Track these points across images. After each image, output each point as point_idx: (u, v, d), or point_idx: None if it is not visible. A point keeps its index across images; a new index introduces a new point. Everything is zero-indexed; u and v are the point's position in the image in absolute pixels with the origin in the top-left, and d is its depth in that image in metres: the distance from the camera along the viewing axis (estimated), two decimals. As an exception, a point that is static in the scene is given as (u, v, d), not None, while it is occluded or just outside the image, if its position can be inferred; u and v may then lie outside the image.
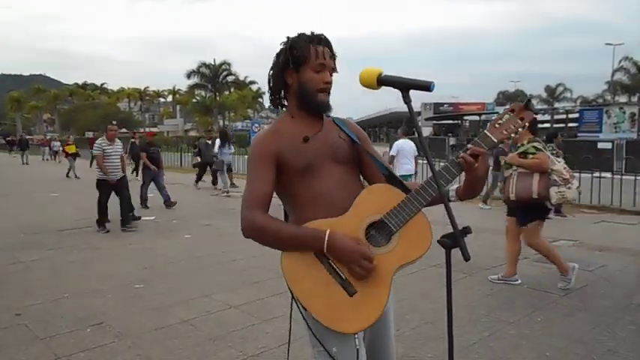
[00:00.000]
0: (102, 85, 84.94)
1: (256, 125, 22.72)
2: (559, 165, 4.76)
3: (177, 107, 76.01)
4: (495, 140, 1.69)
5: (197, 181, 14.75)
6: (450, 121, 48.53)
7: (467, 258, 1.51)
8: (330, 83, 1.81)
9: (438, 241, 1.56)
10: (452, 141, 28.88)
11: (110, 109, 62.75)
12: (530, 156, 4.74)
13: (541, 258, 6.10)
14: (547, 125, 44.63)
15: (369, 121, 68.98)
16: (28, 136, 38.64)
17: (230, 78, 54.68)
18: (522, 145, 4.82)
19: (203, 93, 56.12)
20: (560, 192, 4.64)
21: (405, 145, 9.42)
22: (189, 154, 21.90)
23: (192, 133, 57.41)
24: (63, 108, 73.14)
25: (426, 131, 43.40)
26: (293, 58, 1.76)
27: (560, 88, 57.59)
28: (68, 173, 18.62)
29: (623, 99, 45.15)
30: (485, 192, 10.00)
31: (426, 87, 1.60)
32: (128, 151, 13.49)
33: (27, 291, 4.96)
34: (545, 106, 51.90)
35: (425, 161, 14.85)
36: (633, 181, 10.17)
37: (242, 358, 3.46)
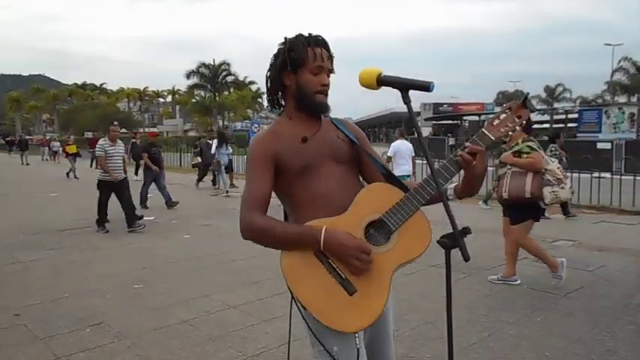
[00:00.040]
0: (101, 85, 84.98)
1: (256, 125, 22.74)
2: (553, 165, 4.78)
3: (177, 107, 76.03)
4: (493, 138, 1.69)
5: (198, 181, 14.75)
6: (450, 122, 48.56)
7: (466, 258, 1.51)
8: (327, 85, 1.82)
9: (438, 242, 1.56)
10: (451, 141, 28.93)
11: (109, 109, 62.68)
12: (525, 155, 4.76)
13: (541, 258, 6.12)
14: (546, 125, 44.65)
15: (368, 122, 69.00)
16: (27, 137, 38.63)
17: (229, 78, 54.63)
18: (517, 144, 4.84)
19: (202, 93, 56.08)
20: (553, 192, 4.66)
21: (402, 146, 9.48)
22: (189, 154, 21.88)
23: (192, 134, 57.46)
24: (62, 108, 73.07)
25: (426, 131, 43.41)
26: (291, 60, 1.77)
27: (560, 89, 57.63)
28: (69, 173, 18.61)
29: (622, 99, 45.13)
30: (487, 192, 10.00)
31: (426, 87, 1.60)
32: (129, 152, 13.47)
33: (26, 291, 4.96)
34: (544, 107, 51.91)
35: (423, 161, 14.88)
36: (632, 181, 10.17)
37: (242, 359, 3.46)
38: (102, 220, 8.11)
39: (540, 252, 5.00)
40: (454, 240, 1.53)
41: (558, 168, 4.78)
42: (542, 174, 4.70)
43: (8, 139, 46.37)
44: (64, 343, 3.70)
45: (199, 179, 14.78)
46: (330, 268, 1.68)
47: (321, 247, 1.66)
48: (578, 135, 26.92)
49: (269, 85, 1.86)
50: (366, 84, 1.70)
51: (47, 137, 39.79)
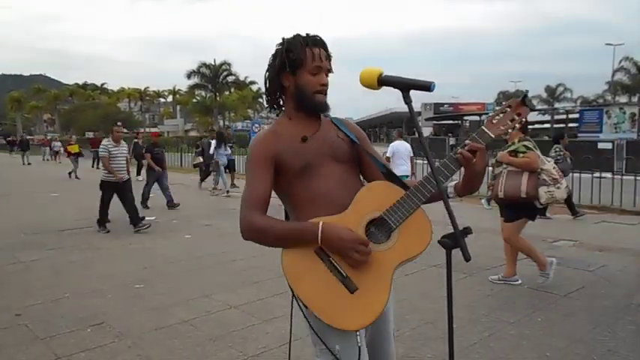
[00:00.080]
0: (102, 85, 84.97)
1: (256, 125, 22.75)
2: (548, 165, 4.79)
3: (178, 107, 76.04)
4: (493, 136, 1.70)
5: (202, 181, 14.68)
6: (450, 122, 48.56)
7: (467, 258, 1.51)
8: (326, 85, 1.82)
9: (439, 242, 1.56)
10: (452, 141, 28.93)
11: (110, 109, 62.71)
12: (521, 155, 4.77)
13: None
14: (547, 126, 44.63)
15: (369, 122, 68.99)
16: (28, 137, 38.66)
17: (230, 78, 54.64)
18: (513, 143, 4.86)
19: (203, 93, 56.08)
20: (549, 191, 4.67)
21: (400, 147, 9.54)
22: (190, 154, 21.89)
23: (193, 134, 57.44)
24: (63, 108, 73.10)
25: (426, 131, 43.44)
26: (289, 61, 1.77)
27: (561, 89, 57.57)
28: (71, 173, 18.61)
29: (623, 99, 45.11)
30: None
31: (427, 87, 1.60)
32: (131, 152, 13.48)
33: (27, 291, 4.96)
34: (545, 107, 51.88)
35: (423, 161, 14.91)
36: (633, 182, 10.16)
37: (242, 359, 3.46)
38: (103, 220, 8.12)
39: (532, 250, 5.01)
40: (455, 240, 1.53)
41: (554, 168, 4.79)
42: (538, 174, 4.72)
43: (9, 139, 46.41)
44: (64, 343, 3.70)
45: (202, 179, 14.74)
46: (330, 266, 1.68)
47: (320, 242, 1.66)
48: (579, 135, 26.88)
49: (268, 86, 1.86)
50: (366, 84, 1.70)
51: (48, 137, 39.80)
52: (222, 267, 5.89)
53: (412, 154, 9.67)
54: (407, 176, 9.08)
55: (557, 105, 53.15)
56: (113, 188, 8.10)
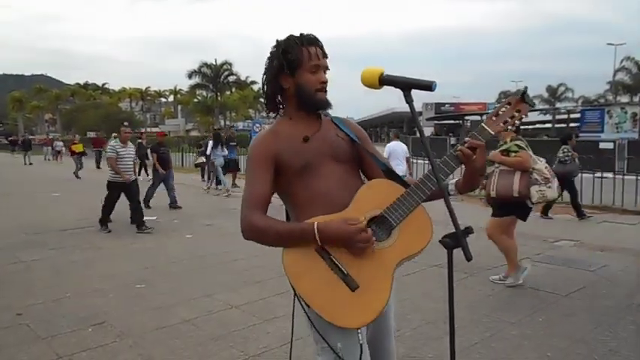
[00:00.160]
0: (103, 85, 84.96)
1: (257, 125, 22.72)
2: (540, 164, 4.82)
3: (179, 107, 76.05)
4: (492, 133, 1.70)
5: (208, 181, 14.57)
6: (452, 121, 48.57)
7: (469, 258, 1.51)
8: (326, 82, 1.83)
9: (440, 241, 1.56)
10: (452, 140, 28.94)
11: (112, 109, 62.68)
12: (513, 154, 4.79)
13: (543, 258, 6.13)
14: (549, 125, 44.61)
15: (370, 121, 69.04)
16: (30, 136, 38.71)
17: (231, 78, 54.62)
18: (505, 143, 4.88)
19: (204, 93, 56.08)
20: (540, 191, 4.70)
21: (396, 147, 9.63)
22: (191, 154, 21.89)
23: (194, 133, 57.45)
24: (64, 108, 73.07)
25: (428, 131, 43.48)
26: (287, 62, 1.77)
27: (562, 88, 57.43)
28: (76, 173, 18.61)
29: (624, 99, 45.00)
30: None
31: (428, 86, 1.60)
32: (135, 152, 13.46)
33: (28, 291, 4.97)
34: (546, 106, 51.83)
35: (421, 161, 14.96)
36: (635, 181, 10.15)
37: (243, 358, 3.46)
38: (105, 219, 8.12)
39: (510, 251, 5.00)
40: (456, 239, 1.53)
41: (546, 167, 4.82)
42: (530, 173, 4.74)
43: (11, 138, 46.47)
44: (66, 343, 3.71)
45: (209, 178, 14.63)
46: (331, 264, 1.68)
47: (319, 242, 1.66)
48: (581, 135, 26.86)
49: (267, 89, 1.86)
50: (368, 83, 1.71)
51: (50, 137, 39.85)
52: (224, 267, 5.89)
53: (408, 155, 9.78)
54: (404, 176, 9.12)
55: (558, 105, 53.09)
56: (120, 189, 8.09)
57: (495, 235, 4.98)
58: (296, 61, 1.77)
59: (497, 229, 4.99)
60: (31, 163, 26.72)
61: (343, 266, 1.68)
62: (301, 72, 1.78)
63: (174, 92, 72.42)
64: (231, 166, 14.34)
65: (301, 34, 1.81)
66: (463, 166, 1.75)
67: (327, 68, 1.83)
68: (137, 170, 15.09)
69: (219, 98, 54.26)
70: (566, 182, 9.14)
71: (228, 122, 54.43)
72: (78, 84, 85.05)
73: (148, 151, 12.18)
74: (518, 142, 4.83)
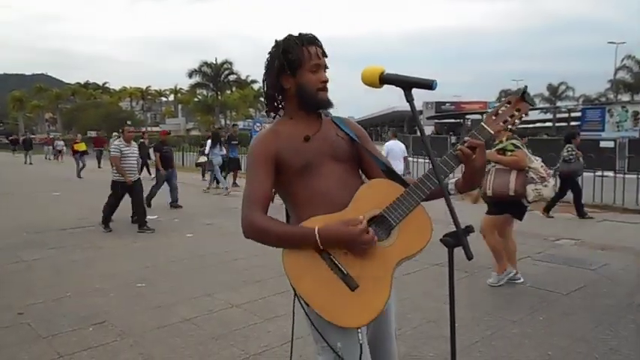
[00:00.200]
0: (104, 84, 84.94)
1: (258, 124, 22.70)
2: (536, 163, 4.83)
3: (179, 106, 76.05)
4: (492, 132, 1.70)
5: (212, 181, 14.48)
6: (452, 120, 48.54)
7: (470, 257, 1.51)
8: (327, 81, 1.83)
9: (441, 240, 1.56)
10: (453, 139, 28.92)
11: (112, 108, 62.71)
12: (509, 153, 4.80)
13: (544, 257, 6.13)
14: (549, 124, 44.55)
15: (371, 120, 69.02)
16: (31, 136, 38.76)
17: (232, 77, 54.70)
18: (501, 142, 4.89)
19: (205, 92, 56.13)
20: (536, 189, 4.71)
21: (394, 146, 9.69)
22: (192, 153, 21.89)
23: (194, 132, 57.45)
24: (65, 107, 73.06)
25: (428, 130, 43.38)
26: (288, 62, 1.77)
27: (563, 87, 57.33)
28: (79, 173, 18.61)
29: (625, 97, 44.96)
30: None
31: (429, 85, 1.60)
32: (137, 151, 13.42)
33: (29, 290, 4.97)
34: (547, 105, 51.78)
35: (419, 160, 14.93)
36: (636, 180, 10.15)
37: (244, 357, 3.46)
38: (108, 219, 8.11)
39: (499, 252, 4.99)
40: (457, 238, 1.53)
41: (542, 166, 4.83)
42: (526, 172, 4.74)
43: (12, 138, 46.49)
44: (67, 342, 3.71)
45: (210, 178, 14.55)
46: (331, 264, 1.68)
47: (320, 247, 1.67)
48: (582, 133, 26.83)
49: (268, 90, 1.86)
50: (368, 82, 1.70)
51: (51, 136, 39.85)
52: (224, 266, 5.89)
53: (406, 154, 9.89)
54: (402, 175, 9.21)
55: (559, 103, 53.03)
56: (125, 188, 8.07)
57: (488, 233, 4.99)
58: (297, 61, 1.76)
59: (491, 227, 4.99)
60: (31, 163, 26.73)
61: (343, 266, 1.68)
62: (302, 72, 1.78)
63: (175, 91, 72.39)
64: (232, 165, 14.32)
65: (300, 34, 1.81)
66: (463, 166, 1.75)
67: (326, 67, 1.83)
68: (139, 169, 15.13)
69: (219, 97, 54.29)
70: (571, 181, 9.12)
71: (228, 121, 54.39)
72: (78, 83, 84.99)
73: (151, 150, 12.12)
74: (514, 141, 4.84)
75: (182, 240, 7.48)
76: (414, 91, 1.63)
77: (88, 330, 3.94)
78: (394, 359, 1.96)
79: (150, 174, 14.57)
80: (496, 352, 3.50)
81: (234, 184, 14.11)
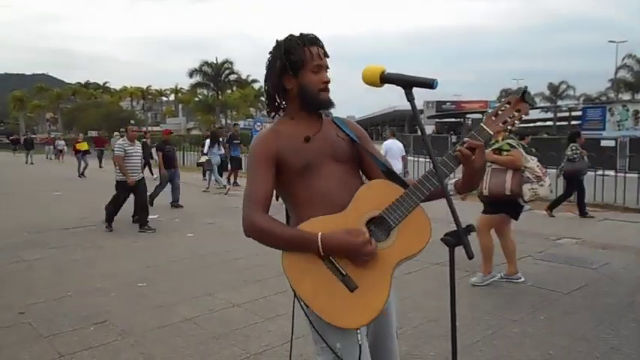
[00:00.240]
0: (104, 84, 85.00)
1: (258, 124, 22.70)
2: (532, 162, 4.85)
3: (180, 106, 76.07)
4: (492, 133, 1.70)
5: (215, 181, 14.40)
6: (453, 119, 48.49)
7: (470, 256, 1.51)
8: (329, 82, 1.83)
9: (442, 239, 1.56)
10: (453, 139, 28.92)
11: (113, 107, 62.71)
12: (505, 153, 4.81)
13: (545, 256, 6.13)
14: (550, 123, 44.53)
15: (372, 119, 69.02)
16: (32, 135, 38.81)
17: (232, 77, 54.72)
18: (497, 141, 4.90)
19: (205, 92, 56.14)
20: (532, 189, 4.74)
21: (393, 145, 9.75)
22: (192, 152, 21.88)
23: (195, 132, 57.46)
24: (66, 107, 73.10)
25: (429, 129, 43.34)
26: (290, 63, 1.76)
27: (563, 86, 57.24)
28: (83, 172, 18.60)
29: (626, 96, 44.90)
30: None
31: (429, 84, 1.60)
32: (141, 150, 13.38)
33: (30, 289, 4.98)
34: (548, 104, 51.73)
35: (416, 159, 14.93)
36: (637, 179, 10.13)
37: (245, 357, 3.46)
38: (111, 218, 8.12)
39: (489, 253, 4.99)
40: (458, 238, 1.53)
41: (538, 166, 4.84)
42: (522, 171, 4.75)
43: (12, 137, 46.53)
44: (68, 342, 3.71)
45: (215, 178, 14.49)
46: (330, 265, 1.69)
47: (322, 253, 1.67)
48: (582, 133, 26.83)
49: (270, 90, 1.86)
50: (369, 81, 1.70)
51: (52, 136, 39.87)
52: (225, 265, 5.90)
53: (404, 153, 9.94)
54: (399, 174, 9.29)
55: (559, 102, 52.98)
56: (129, 189, 8.05)
57: (483, 233, 4.99)
58: (299, 62, 1.76)
59: (487, 227, 5.01)
60: (32, 163, 26.74)
61: (342, 267, 1.68)
62: (304, 73, 1.77)
63: (175, 91, 72.39)
64: (234, 164, 14.31)
65: (302, 34, 1.81)
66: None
67: (327, 67, 1.83)
68: (141, 169, 15.10)
69: (220, 97, 54.30)
70: (575, 180, 9.10)
71: (229, 121, 54.41)
72: (79, 83, 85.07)
73: (153, 150, 12.07)
74: (510, 141, 4.86)
75: (183, 239, 7.48)
76: (415, 90, 1.63)
77: (89, 329, 3.94)
78: (396, 358, 1.96)
79: (152, 174, 14.57)
80: (497, 352, 3.50)
81: (235, 183, 14.10)
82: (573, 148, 9.06)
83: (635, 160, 16.03)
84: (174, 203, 10.55)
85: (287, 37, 1.81)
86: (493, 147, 4.90)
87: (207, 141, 13.64)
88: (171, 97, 78.17)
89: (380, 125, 72.05)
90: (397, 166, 9.34)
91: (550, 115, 46.01)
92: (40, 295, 4.79)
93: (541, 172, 4.80)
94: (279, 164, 1.79)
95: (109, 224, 8.08)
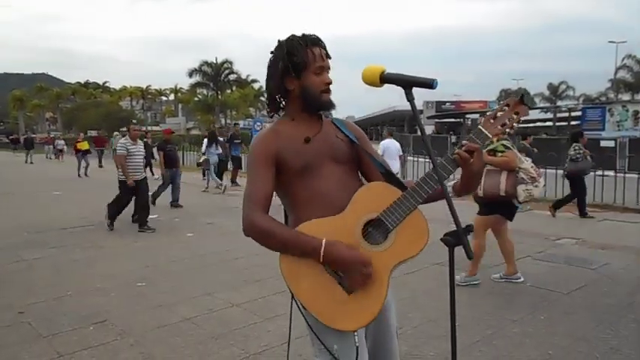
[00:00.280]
0: (104, 83, 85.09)
1: (258, 124, 22.70)
2: (526, 163, 4.86)
3: (179, 106, 76.08)
4: (490, 135, 1.70)
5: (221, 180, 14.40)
6: (452, 120, 48.52)
7: (470, 256, 1.51)
8: (330, 83, 1.82)
9: (441, 239, 1.56)
10: (453, 139, 28.92)
11: (112, 107, 62.75)
12: (499, 154, 4.81)
13: (544, 256, 6.13)
14: (549, 124, 44.53)
15: (372, 120, 69.02)
16: (32, 135, 38.82)
17: (232, 76, 54.74)
18: (492, 142, 4.90)
19: (205, 91, 56.14)
20: (527, 190, 4.74)
21: (390, 145, 9.84)
22: (192, 152, 21.87)
23: (195, 132, 57.46)
24: (65, 107, 73.09)
25: (428, 129, 43.39)
26: (293, 65, 1.76)
27: (563, 86, 57.20)
28: (86, 171, 18.61)
29: (626, 97, 44.91)
30: None
31: (429, 84, 1.60)
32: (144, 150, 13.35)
33: (30, 289, 4.97)
34: (547, 104, 51.74)
35: (414, 159, 14.90)
36: (636, 180, 10.14)
37: (244, 357, 3.46)
38: (115, 217, 8.11)
39: (479, 255, 4.98)
40: (458, 238, 1.53)
41: (532, 167, 4.85)
42: (516, 172, 4.76)
43: (12, 137, 46.52)
44: (67, 341, 3.71)
45: (219, 178, 14.46)
46: (328, 268, 1.69)
47: (321, 260, 1.66)
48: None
49: (271, 91, 1.85)
50: (369, 81, 1.70)
51: (51, 135, 39.86)
52: (225, 265, 5.89)
53: (401, 153, 10.14)
54: (397, 174, 9.37)
55: (559, 103, 52.97)
56: (132, 188, 8.00)
57: (478, 233, 4.99)
58: (302, 63, 1.75)
59: (482, 227, 5.01)
60: (32, 162, 26.73)
61: (340, 270, 1.68)
62: (306, 74, 1.77)
63: (175, 91, 72.39)
64: (235, 164, 14.31)
65: (304, 35, 1.80)
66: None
67: (329, 69, 1.83)
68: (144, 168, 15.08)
69: (219, 97, 54.30)
70: (578, 180, 9.09)
71: (229, 121, 54.41)
72: (79, 83, 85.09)
73: (154, 149, 12.03)
74: (504, 142, 4.86)
75: (183, 239, 7.48)
76: (415, 90, 1.63)
77: (88, 329, 3.94)
78: (396, 359, 1.96)
79: (153, 174, 14.57)
80: (497, 352, 3.50)
81: (235, 182, 14.10)
82: (576, 148, 9.04)
83: (634, 161, 16.04)
84: (174, 203, 10.54)
85: (289, 38, 1.80)
86: (488, 148, 4.91)
87: (205, 140, 13.62)
88: (171, 97, 78.20)
89: (380, 125, 72.06)
90: (395, 166, 9.41)
91: (549, 115, 45.97)
92: (39, 294, 4.79)
93: (535, 173, 4.81)
94: (279, 164, 1.78)
95: (111, 222, 8.08)
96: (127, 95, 75.74)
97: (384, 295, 1.68)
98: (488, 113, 1.77)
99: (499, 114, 1.71)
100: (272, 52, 1.83)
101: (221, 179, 13.85)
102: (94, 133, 42.41)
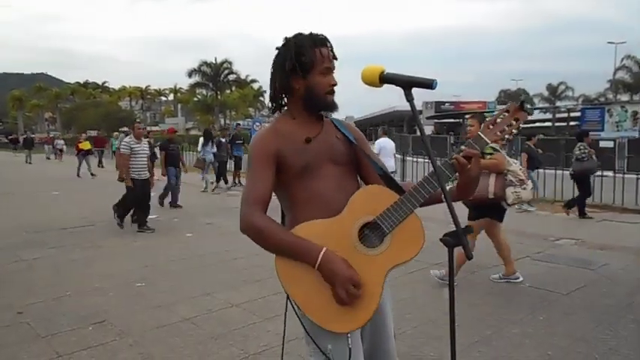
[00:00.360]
0: (103, 83, 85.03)
1: (257, 124, 22.71)
2: (515, 166, 4.88)
3: (179, 106, 76.06)
4: (489, 141, 1.70)
5: (220, 181, 14.38)
6: (452, 120, 48.52)
7: (469, 257, 1.51)
8: (336, 85, 1.82)
9: (441, 240, 1.56)
10: (452, 139, 28.93)
11: (111, 107, 62.74)
12: (488, 156, 4.80)
13: (543, 257, 6.13)
14: (549, 124, 44.57)
15: (371, 120, 68.91)
16: (31, 135, 38.78)
17: (231, 77, 54.70)
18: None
19: (204, 91, 56.12)
20: (515, 192, 4.76)
21: (386, 144, 9.89)
22: (192, 152, 21.85)
23: (194, 132, 57.45)
24: (64, 107, 73.02)
25: (428, 130, 43.37)
26: (300, 64, 1.75)
27: (562, 87, 57.27)
28: (91, 171, 18.59)
29: (625, 97, 44.95)
30: None
31: (429, 85, 1.60)
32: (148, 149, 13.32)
33: (29, 289, 4.97)
34: (546, 105, 51.79)
35: (415, 159, 14.89)
36: (635, 180, 10.15)
37: (243, 357, 3.46)
38: (124, 215, 8.13)
39: (462, 262, 4.85)
40: (457, 238, 1.53)
41: (520, 169, 4.87)
42: (505, 175, 4.76)
43: (11, 137, 46.48)
44: (66, 341, 3.71)
45: (218, 179, 14.41)
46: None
47: (316, 268, 1.66)
48: (581, 133, 26.82)
49: (276, 89, 1.83)
50: (368, 81, 1.70)
51: (51, 135, 39.83)
52: (224, 265, 5.89)
53: (395, 152, 10.21)
54: (393, 172, 9.44)
55: (558, 103, 53.02)
56: (140, 186, 7.96)
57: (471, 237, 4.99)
58: (309, 63, 1.74)
59: (475, 231, 4.98)
60: (31, 162, 26.70)
61: None
62: (313, 74, 1.76)
63: (174, 91, 72.42)
64: (237, 164, 14.31)
65: (312, 34, 1.79)
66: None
67: (334, 69, 1.83)
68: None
69: (219, 97, 54.28)
70: (583, 180, 9.07)
71: (228, 121, 54.43)
72: (78, 83, 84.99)
73: (156, 149, 12.00)
74: (493, 145, 4.85)
75: (182, 239, 7.48)
76: (414, 90, 1.63)
77: (87, 329, 3.94)
78: (393, 359, 1.96)
79: (153, 174, 14.54)
80: (496, 352, 3.50)
81: (234, 182, 14.09)
82: (581, 147, 9.02)
83: (633, 161, 16.05)
84: (173, 203, 10.54)
85: (297, 37, 1.79)
86: None
87: (201, 139, 13.61)
88: (170, 97, 78.20)
89: (379, 125, 72.11)
90: (390, 164, 9.43)
91: (549, 115, 46.03)
92: (38, 294, 4.79)
93: (524, 175, 4.84)
94: (279, 163, 1.78)
95: (121, 221, 8.13)
96: (126, 95, 75.76)
97: (377, 298, 1.68)
98: (487, 119, 1.76)
99: (498, 120, 1.70)
100: (278, 49, 1.82)
101: (225, 181, 13.85)
102: (93, 133, 42.42)
